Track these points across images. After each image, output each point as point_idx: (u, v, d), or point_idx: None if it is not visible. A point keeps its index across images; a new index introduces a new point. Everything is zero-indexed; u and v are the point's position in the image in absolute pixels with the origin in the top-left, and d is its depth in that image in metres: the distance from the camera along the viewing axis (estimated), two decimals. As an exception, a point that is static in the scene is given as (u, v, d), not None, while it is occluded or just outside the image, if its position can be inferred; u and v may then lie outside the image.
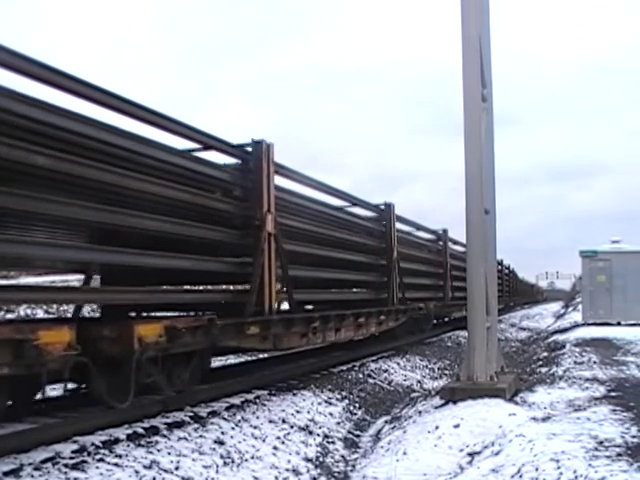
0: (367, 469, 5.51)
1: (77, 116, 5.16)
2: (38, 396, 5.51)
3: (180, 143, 6.79)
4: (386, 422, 7.51)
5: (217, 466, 5.06)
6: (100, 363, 5.25)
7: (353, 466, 5.91)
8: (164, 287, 7.55)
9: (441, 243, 18.01)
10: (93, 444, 4.90)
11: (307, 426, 6.79)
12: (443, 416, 6.39)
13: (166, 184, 6.18)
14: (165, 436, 5.41)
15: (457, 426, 5.95)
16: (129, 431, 5.35)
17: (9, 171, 4.64)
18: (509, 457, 4.72)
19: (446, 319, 19.72)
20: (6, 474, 4.14)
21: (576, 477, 3.99)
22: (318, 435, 6.63)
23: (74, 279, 13.66)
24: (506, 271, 33.45)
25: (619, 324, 18.39)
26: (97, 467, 4.49)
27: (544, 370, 10.42)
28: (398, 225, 13.36)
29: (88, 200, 5.44)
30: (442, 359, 13.72)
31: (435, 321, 18.09)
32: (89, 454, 4.69)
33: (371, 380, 9.88)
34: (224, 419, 6.26)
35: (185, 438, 5.45)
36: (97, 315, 10.78)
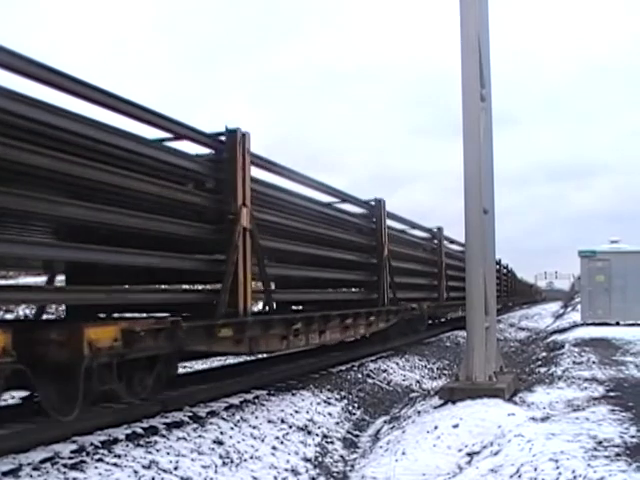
0: (366, 469, 5.52)
1: (28, 100, 4.70)
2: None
3: (151, 133, 6.41)
4: (385, 422, 7.51)
5: (216, 466, 5.06)
6: (46, 370, 4.80)
7: (352, 466, 5.91)
8: (126, 287, 7.03)
9: (436, 241, 17.59)
10: (92, 444, 4.89)
11: (306, 426, 6.80)
12: (442, 416, 6.39)
13: (132, 175, 5.72)
14: (164, 436, 5.41)
15: (456, 426, 5.95)
16: (128, 431, 5.35)
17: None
18: (508, 457, 4.72)
19: (442, 320, 19.45)
20: (5, 474, 4.14)
21: (575, 477, 4.00)
22: (317, 435, 6.64)
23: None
24: (504, 270, 33.45)
25: (618, 324, 18.41)
26: (96, 467, 4.48)
27: (543, 370, 10.43)
28: (389, 222, 12.87)
29: (45, 192, 5.04)
30: (441, 359, 13.73)
31: (430, 322, 17.72)
32: (88, 454, 4.69)
33: (370, 380, 9.89)
34: (223, 419, 6.26)
35: (184, 438, 5.45)
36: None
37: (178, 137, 6.69)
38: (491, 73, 8.63)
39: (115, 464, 4.59)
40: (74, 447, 4.78)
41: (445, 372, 12.20)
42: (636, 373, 9.22)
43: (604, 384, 8.11)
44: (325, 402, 7.91)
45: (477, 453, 5.33)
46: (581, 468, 4.11)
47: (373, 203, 12.19)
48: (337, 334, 9.92)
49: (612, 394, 7.28)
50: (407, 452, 5.58)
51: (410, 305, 13.74)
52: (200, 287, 7.46)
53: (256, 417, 6.58)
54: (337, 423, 7.32)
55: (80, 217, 5.28)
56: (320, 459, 6.00)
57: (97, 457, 4.65)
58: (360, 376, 9.91)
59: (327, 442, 6.56)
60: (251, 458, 5.45)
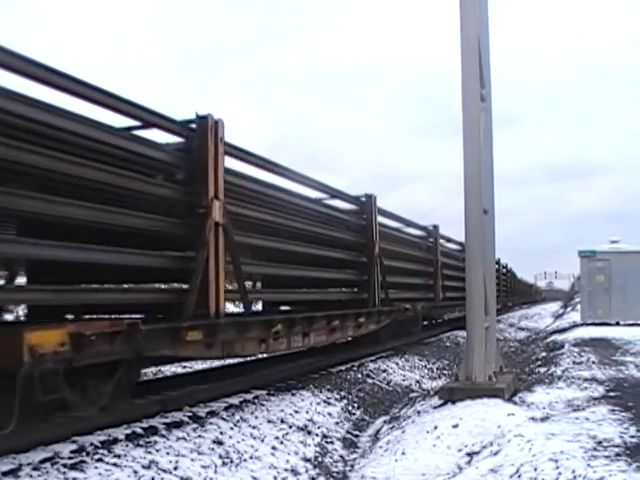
0: (366, 469, 5.52)
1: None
2: None
3: (119, 121, 6.00)
4: (385, 422, 7.51)
5: (216, 466, 5.06)
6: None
7: (352, 466, 5.92)
8: (82, 286, 6.33)
9: (431, 240, 17.09)
10: (92, 444, 4.89)
11: (306, 426, 6.80)
12: (442, 416, 6.39)
13: (93, 165, 5.30)
14: (164, 436, 5.41)
15: (456, 426, 5.95)
16: (128, 431, 5.35)
17: None
18: (508, 457, 4.72)
19: (439, 320, 19.17)
20: (5, 474, 4.14)
21: (575, 477, 4.00)
22: (317, 435, 6.64)
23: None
24: (503, 270, 33.45)
25: (618, 324, 18.41)
26: (96, 467, 4.48)
27: (543, 370, 10.43)
28: (381, 219, 12.33)
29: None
30: (441, 359, 13.73)
31: (426, 322, 17.40)
32: (88, 454, 4.69)
33: (370, 380, 9.89)
34: (223, 419, 6.26)
35: (184, 438, 5.45)
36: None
37: (147, 125, 6.24)
38: (491, 73, 8.65)
39: (115, 464, 4.60)
40: (74, 447, 4.78)
41: (445, 372, 12.20)
42: (636, 373, 9.22)
43: (604, 384, 8.11)
44: (325, 402, 7.91)
45: (477, 453, 5.33)
46: (581, 468, 4.11)
47: (363, 199, 11.66)
48: (323, 336, 9.36)
49: (612, 394, 7.28)
50: (407, 452, 5.58)
51: (403, 305, 13.27)
52: (164, 286, 7.00)
53: (256, 417, 6.59)
54: (337, 423, 7.32)
55: (35, 210, 4.85)
56: (320, 459, 6.00)
57: (97, 457, 4.66)
58: (360, 376, 9.91)
59: (327, 442, 6.56)
60: (251, 458, 5.45)
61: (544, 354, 13.55)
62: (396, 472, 5.18)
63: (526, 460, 4.48)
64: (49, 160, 4.91)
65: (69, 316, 6.78)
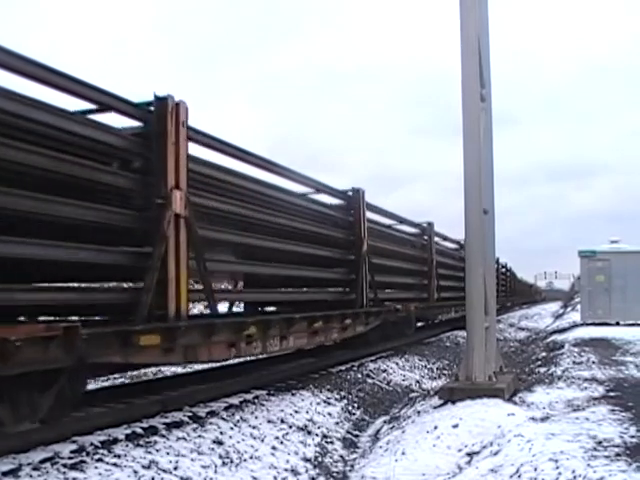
0: (366, 469, 5.52)
1: None
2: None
3: (74, 104, 5.51)
4: (385, 422, 7.52)
5: (216, 466, 5.07)
6: None
7: (352, 466, 5.92)
8: (11, 285, 5.27)
9: (426, 238, 16.37)
10: (92, 444, 4.89)
11: (306, 426, 6.80)
12: (442, 416, 6.40)
13: (38, 151, 4.84)
14: (164, 436, 5.41)
15: (456, 426, 5.95)
16: (128, 431, 5.35)
17: None
18: (508, 457, 4.72)
19: (435, 321, 18.72)
20: (5, 474, 4.14)
21: (575, 477, 4.00)
22: (317, 435, 6.64)
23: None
24: (503, 270, 33.44)
25: (618, 324, 18.41)
26: (96, 467, 4.49)
27: (543, 370, 10.43)
28: (370, 215, 11.75)
29: None
30: (441, 359, 13.73)
31: (423, 323, 17.15)
32: (88, 454, 4.69)
33: (370, 380, 9.89)
34: (223, 419, 6.27)
35: (184, 438, 5.45)
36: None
37: (104, 108, 5.71)
38: (491, 73, 8.65)
39: (115, 464, 4.60)
40: (74, 447, 4.78)
41: (445, 372, 12.20)
42: (636, 373, 9.22)
43: (604, 384, 8.11)
44: (325, 402, 7.91)
45: (477, 453, 5.33)
46: (581, 468, 4.11)
47: (350, 193, 11.03)
48: (304, 339, 8.75)
49: (612, 394, 7.28)
50: (407, 452, 5.58)
51: (394, 306, 12.66)
52: (114, 285, 6.45)
53: (256, 417, 6.59)
54: (337, 423, 7.32)
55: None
56: (320, 459, 6.00)
57: (97, 457, 4.66)
58: (360, 376, 9.91)
59: (327, 442, 6.56)
60: (251, 458, 5.45)
61: (544, 354, 13.55)
62: (396, 472, 5.18)
63: (526, 460, 4.48)
64: (9, 150, 4.53)
65: (22, 318, 6.14)
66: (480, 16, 8.04)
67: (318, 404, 7.72)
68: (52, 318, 6.00)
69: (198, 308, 16.31)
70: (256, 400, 7.27)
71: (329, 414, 7.51)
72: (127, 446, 5.00)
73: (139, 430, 5.43)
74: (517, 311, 37.93)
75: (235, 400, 7.10)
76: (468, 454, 5.40)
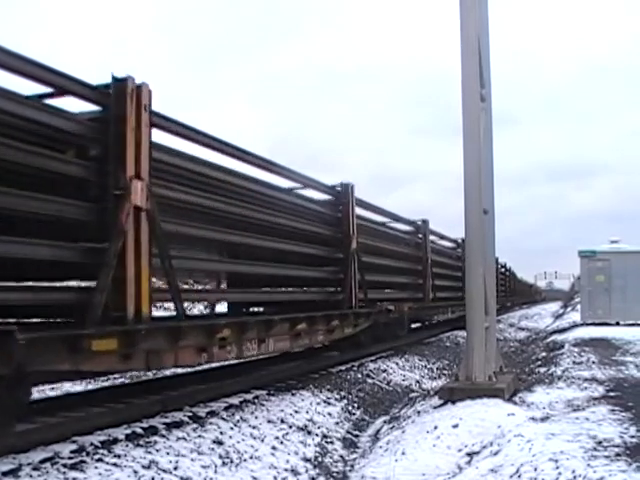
0: (366, 469, 5.52)
1: None
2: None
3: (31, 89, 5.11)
4: (385, 422, 7.52)
5: (216, 466, 5.07)
6: None
7: (352, 466, 5.92)
8: None
9: (420, 236, 15.83)
10: (92, 444, 4.89)
11: (306, 426, 6.80)
12: (442, 416, 6.40)
13: None
14: (164, 436, 5.41)
15: (456, 426, 5.95)
16: (128, 431, 5.35)
17: None
18: (508, 457, 4.72)
19: (429, 322, 18.20)
20: (5, 474, 4.14)
21: (575, 477, 4.00)
22: (317, 435, 6.64)
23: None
24: (502, 270, 33.44)
25: (618, 324, 18.42)
26: (96, 467, 4.49)
27: (543, 370, 10.43)
28: (360, 211, 11.21)
29: None
30: (441, 359, 13.73)
31: (419, 324, 16.75)
32: (88, 454, 4.69)
33: (370, 380, 9.89)
34: (223, 419, 6.27)
35: (184, 438, 5.45)
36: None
37: (61, 92, 5.30)
38: (491, 73, 8.65)
39: (115, 464, 4.60)
40: (74, 447, 4.78)
41: (445, 372, 12.20)
42: (636, 373, 9.22)
43: (604, 384, 8.11)
44: (325, 402, 7.91)
45: (477, 453, 5.34)
46: (581, 468, 4.11)
47: (339, 188, 10.51)
48: (285, 342, 8.20)
49: (612, 394, 7.28)
50: (407, 452, 5.58)
51: (386, 306, 12.13)
52: (60, 284, 5.73)
53: (256, 417, 6.59)
54: (337, 423, 7.33)
55: None
56: (320, 459, 6.01)
57: (97, 457, 4.66)
58: (360, 376, 9.91)
59: (327, 442, 6.56)
60: (251, 458, 5.45)
61: (544, 354, 13.55)
62: (396, 472, 5.18)
63: (526, 460, 4.48)
64: None
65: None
66: (480, 16, 8.04)
67: (318, 404, 7.72)
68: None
69: (198, 308, 16.37)
70: (256, 400, 7.27)
71: (329, 414, 7.51)
72: (127, 446, 5.00)
73: (139, 430, 5.43)
74: (517, 311, 37.95)
75: (235, 400, 7.10)
76: (468, 454, 5.40)
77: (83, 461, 4.54)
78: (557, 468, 4.20)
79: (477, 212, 7.70)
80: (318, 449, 6.25)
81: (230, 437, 5.78)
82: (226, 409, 6.65)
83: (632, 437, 4.99)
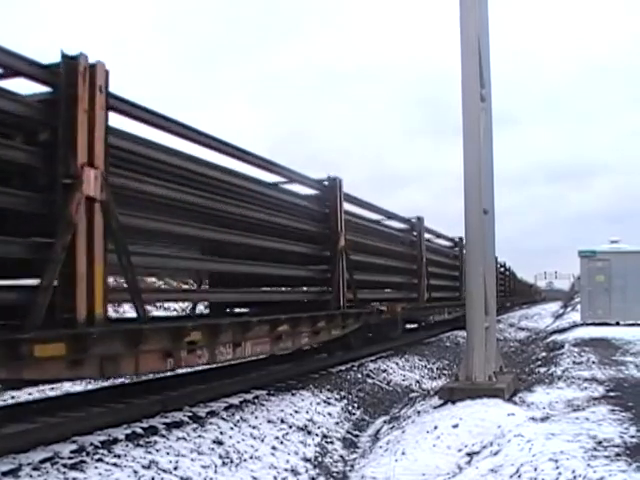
0: (366, 469, 5.52)
1: None
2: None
3: None
4: (385, 422, 7.52)
5: (216, 466, 5.06)
6: None
7: (352, 466, 5.92)
8: None
9: (415, 233, 15.29)
10: (92, 444, 4.90)
11: (306, 426, 6.80)
12: (442, 416, 6.40)
13: None
14: (164, 436, 5.41)
15: (456, 426, 5.95)
16: (128, 431, 5.35)
17: None
18: (508, 457, 4.72)
19: (424, 323, 17.48)
20: (5, 474, 4.14)
21: (575, 477, 3.99)
22: (317, 435, 6.64)
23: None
24: (501, 269, 33.44)
25: (618, 324, 18.41)
26: (96, 467, 4.49)
27: (543, 370, 10.43)
28: (349, 207, 10.74)
29: None
30: (441, 359, 13.73)
31: (416, 325, 16.40)
32: (88, 454, 4.69)
33: (370, 380, 9.89)
34: (223, 419, 6.27)
35: (184, 438, 5.45)
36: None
37: (9, 73, 4.92)
38: (491, 73, 8.65)
39: (115, 464, 4.60)
40: (74, 447, 4.78)
41: (445, 372, 12.20)
42: (636, 373, 9.22)
43: (604, 384, 8.11)
44: (325, 402, 7.91)
45: (477, 453, 5.33)
46: (581, 468, 4.11)
47: (326, 183, 10.01)
48: (265, 346, 7.68)
49: (612, 394, 7.28)
50: (407, 452, 5.58)
51: (377, 307, 11.62)
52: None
53: (256, 417, 6.59)
54: (337, 423, 7.32)
55: None
56: (320, 459, 6.00)
57: (97, 457, 4.66)
58: (360, 376, 9.91)
59: (327, 442, 6.56)
60: (251, 458, 5.45)
61: (544, 354, 13.55)
62: (396, 472, 5.18)
63: (526, 460, 4.48)
64: None
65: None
66: (480, 16, 8.04)
67: (318, 404, 7.72)
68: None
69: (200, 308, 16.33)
70: (256, 400, 7.27)
71: (329, 414, 7.51)
72: (127, 446, 5.00)
73: (139, 430, 5.43)
74: (517, 311, 37.95)
75: (235, 400, 7.10)
76: (468, 454, 5.40)
77: (83, 461, 4.54)
78: (557, 468, 4.20)
79: (477, 212, 7.70)
80: (318, 449, 6.25)
81: (230, 437, 5.78)
82: (226, 409, 6.65)
83: (632, 437, 4.99)
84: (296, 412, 7.13)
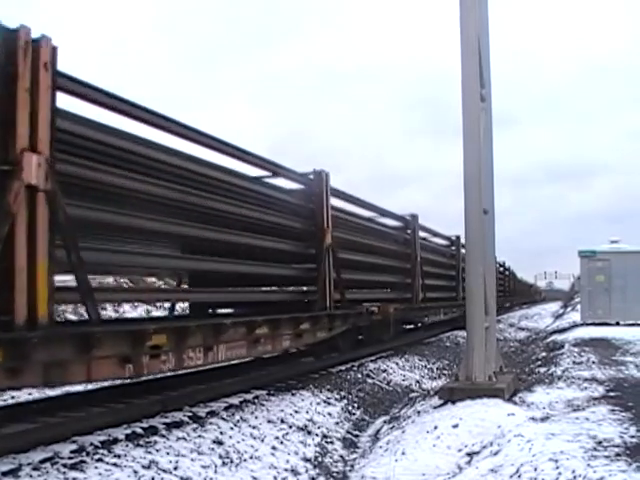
0: (366, 469, 5.52)
1: None
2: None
3: None
4: (385, 422, 7.52)
5: (216, 466, 5.07)
6: None
7: (352, 466, 5.92)
8: None
9: (409, 231, 14.71)
10: (92, 444, 4.90)
11: (306, 426, 6.80)
12: (442, 416, 6.40)
13: None
14: (164, 436, 5.41)
15: (456, 426, 5.95)
16: (128, 431, 5.36)
17: None
18: (508, 457, 4.72)
19: (419, 324, 16.74)
20: (5, 474, 4.14)
21: (575, 477, 3.99)
22: (317, 435, 6.64)
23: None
24: (500, 269, 33.42)
25: (618, 324, 18.41)
26: (96, 467, 4.49)
27: (543, 370, 10.43)
28: (336, 202, 10.14)
29: None
30: (441, 359, 13.73)
31: (412, 326, 15.94)
32: (88, 454, 4.69)
33: (370, 380, 9.89)
34: (223, 419, 6.27)
35: (184, 438, 5.45)
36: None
37: None
38: (491, 73, 8.65)
39: (115, 464, 4.60)
40: (74, 447, 4.79)
41: (445, 372, 12.20)
42: (636, 373, 9.22)
43: (604, 384, 8.11)
44: (325, 402, 7.91)
45: (477, 453, 5.33)
46: (581, 468, 4.11)
47: (312, 176, 9.47)
48: (241, 350, 7.12)
49: (612, 394, 7.28)
50: (407, 452, 5.58)
51: (367, 308, 10.98)
52: None
53: (256, 417, 6.59)
54: (337, 423, 7.32)
55: None
56: (320, 459, 6.01)
57: (97, 457, 4.66)
58: (360, 376, 9.91)
59: (327, 442, 6.56)
60: (251, 458, 5.45)
61: (544, 354, 13.55)
62: (396, 472, 5.18)
63: (526, 460, 4.48)
64: None
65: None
66: (480, 16, 8.04)
67: (318, 404, 7.72)
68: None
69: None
70: (256, 400, 7.27)
71: (329, 414, 7.51)
72: (127, 446, 5.00)
73: (139, 430, 5.44)
74: (517, 311, 37.95)
75: (235, 400, 7.11)
76: (468, 454, 5.40)
77: (83, 461, 4.54)
78: (557, 468, 4.20)
79: (477, 212, 7.70)
80: (318, 449, 6.25)
81: (230, 437, 5.79)
82: (226, 409, 6.66)
83: (632, 437, 4.99)
84: (296, 412, 7.13)
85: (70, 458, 4.56)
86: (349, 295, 10.44)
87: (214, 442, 5.55)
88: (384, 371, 10.82)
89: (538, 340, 18.81)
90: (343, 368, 10.26)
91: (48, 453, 4.58)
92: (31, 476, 4.19)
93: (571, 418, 5.82)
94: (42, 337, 4.42)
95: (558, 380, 8.72)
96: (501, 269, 33.01)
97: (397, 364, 11.78)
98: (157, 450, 5.05)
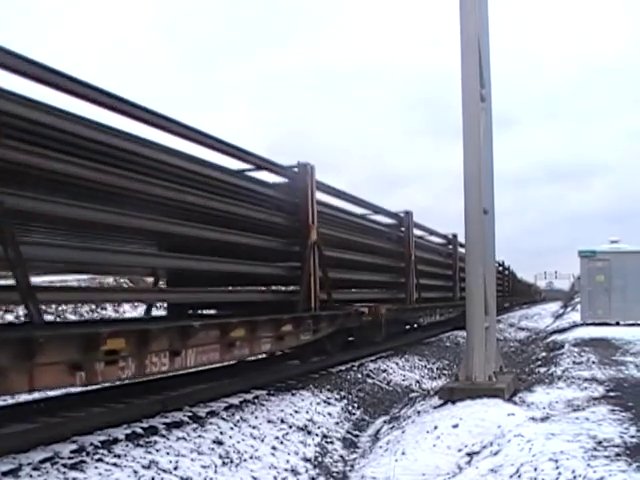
0: (366, 469, 5.52)
1: None
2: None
3: None
4: (385, 422, 7.52)
5: (216, 466, 5.07)
6: None
7: (352, 466, 5.92)
8: None
9: (403, 229, 14.18)
10: (92, 444, 4.90)
11: (306, 426, 6.80)
12: (442, 416, 6.40)
13: None
14: (164, 436, 5.41)
15: (456, 426, 5.95)
16: (128, 431, 5.36)
17: None
18: (508, 457, 4.72)
19: (413, 325, 16.03)
20: (5, 474, 4.14)
21: (575, 477, 4.00)
22: (317, 435, 6.64)
23: (72, 279, 13.63)
24: (500, 268, 33.39)
25: (618, 324, 18.41)
26: (96, 467, 4.49)
27: (543, 370, 10.43)
28: (322, 197, 9.66)
29: None
30: (441, 359, 13.73)
31: (409, 327, 15.57)
32: (88, 454, 4.69)
33: (370, 380, 9.89)
34: (223, 419, 6.27)
35: (184, 438, 5.45)
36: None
37: None
38: (491, 73, 8.65)
39: (115, 464, 4.60)
40: (74, 447, 4.78)
41: (445, 372, 12.20)
42: (636, 373, 9.22)
43: (604, 384, 8.11)
44: (325, 402, 7.91)
45: (477, 453, 5.33)
46: (581, 468, 4.11)
47: (296, 169, 8.97)
48: (214, 354, 6.56)
49: (612, 394, 7.28)
50: (407, 452, 5.58)
51: (356, 309, 10.49)
52: None
53: (256, 417, 6.59)
54: (337, 423, 7.32)
55: None
56: (320, 459, 6.01)
57: (97, 457, 4.66)
58: (360, 376, 9.91)
59: (327, 442, 6.56)
60: (251, 458, 5.45)
61: (544, 354, 13.55)
62: (396, 472, 5.18)
63: (526, 460, 4.48)
64: None
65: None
66: (480, 16, 8.04)
67: (318, 404, 7.72)
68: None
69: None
70: (256, 400, 7.27)
71: (329, 414, 7.51)
72: (127, 446, 5.00)
73: (139, 430, 5.44)
74: (517, 311, 37.95)
75: (235, 400, 7.11)
76: (468, 454, 5.40)
77: (83, 461, 4.54)
78: (557, 468, 4.20)
79: (477, 212, 7.70)
80: (318, 449, 6.25)
81: (230, 437, 5.79)
82: (226, 409, 6.66)
83: (632, 437, 4.99)
84: (296, 412, 7.13)
85: (70, 458, 4.55)
86: (337, 295, 10.03)
87: (214, 442, 5.55)
88: (384, 371, 10.82)
89: (538, 340, 18.81)
90: (343, 368, 10.26)
91: (48, 453, 4.58)
92: (31, 476, 4.18)
93: (571, 418, 5.82)
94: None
95: (558, 380, 8.73)
96: (501, 269, 32.98)
97: (397, 364, 11.78)
98: (157, 450, 5.05)
